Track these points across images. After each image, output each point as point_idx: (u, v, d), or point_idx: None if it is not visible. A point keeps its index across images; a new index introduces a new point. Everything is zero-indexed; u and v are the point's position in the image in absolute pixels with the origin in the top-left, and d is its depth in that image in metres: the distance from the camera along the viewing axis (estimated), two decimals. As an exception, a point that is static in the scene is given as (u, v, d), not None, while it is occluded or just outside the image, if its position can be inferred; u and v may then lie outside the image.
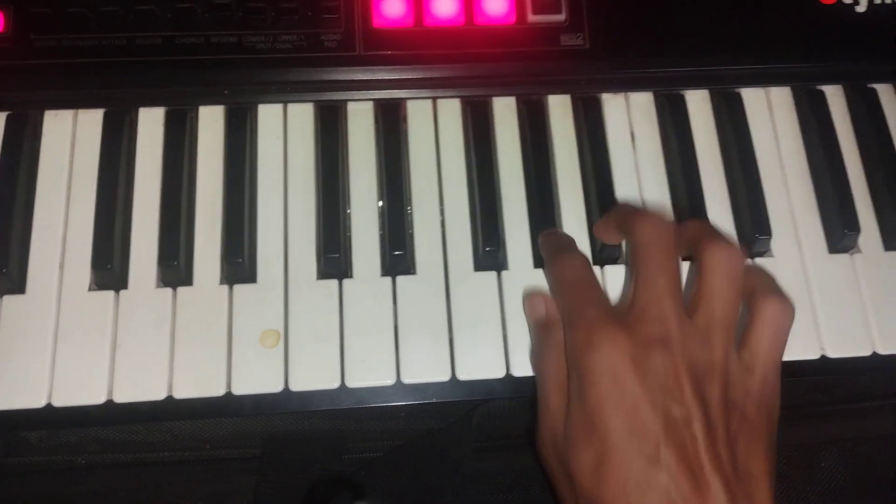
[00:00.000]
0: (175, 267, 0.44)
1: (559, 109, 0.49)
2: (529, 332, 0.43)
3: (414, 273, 0.45)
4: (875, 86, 0.50)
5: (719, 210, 0.47)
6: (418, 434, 0.46)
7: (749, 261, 0.46)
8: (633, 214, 0.39)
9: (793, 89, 0.50)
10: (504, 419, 0.45)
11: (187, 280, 0.44)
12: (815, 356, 0.44)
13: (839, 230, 0.46)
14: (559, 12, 0.48)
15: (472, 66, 0.48)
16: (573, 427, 0.34)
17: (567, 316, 0.37)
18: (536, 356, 0.40)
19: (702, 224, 0.41)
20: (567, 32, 0.48)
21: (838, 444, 0.48)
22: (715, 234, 0.38)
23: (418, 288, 0.44)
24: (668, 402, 0.33)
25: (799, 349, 0.44)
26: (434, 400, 0.43)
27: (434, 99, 0.49)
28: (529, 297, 0.43)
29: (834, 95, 0.50)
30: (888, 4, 0.50)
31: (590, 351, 0.34)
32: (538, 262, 0.45)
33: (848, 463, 0.47)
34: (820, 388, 0.49)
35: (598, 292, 0.38)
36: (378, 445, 0.47)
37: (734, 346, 0.36)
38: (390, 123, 0.47)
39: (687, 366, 0.34)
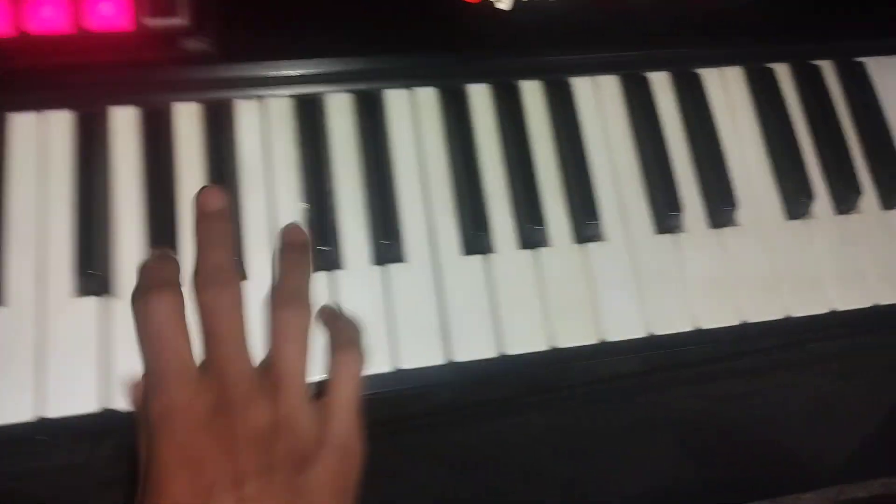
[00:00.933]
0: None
1: (185, 118, 0.47)
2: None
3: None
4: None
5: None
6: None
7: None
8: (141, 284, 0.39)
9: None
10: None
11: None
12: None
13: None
14: (179, 15, 0.45)
15: (85, 75, 0.45)
16: (143, 494, 0.35)
17: (147, 373, 0.38)
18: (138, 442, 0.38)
19: (277, 285, 0.42)
20: (189, 36, 0.45)
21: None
22: (284, 295, 0.40)
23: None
24: (231, 461, 0.34)
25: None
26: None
27: (39, 112, 0.45)
28: (129, 386, 0.40)
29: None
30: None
31: (160, 417, 0.35)
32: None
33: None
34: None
35: (186, 349, 0.37)
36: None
37: (306, 399, 0.38)
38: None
39: (257, 424, 0.35)
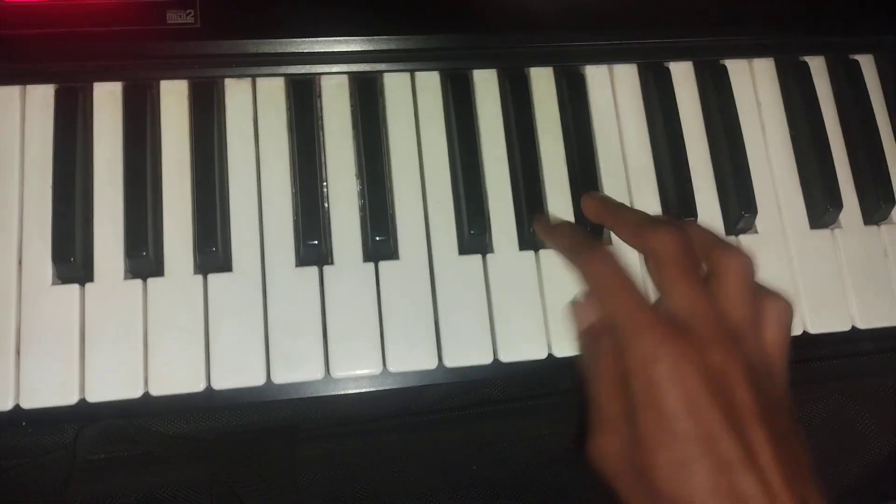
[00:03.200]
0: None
1: (173, 96, 0.44)
2: (576, 341, 0.42)
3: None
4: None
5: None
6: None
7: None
8: (649, 227, 0.39)
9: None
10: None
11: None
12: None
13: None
14: None
15: (68, 47, 0.43)
16: (646, 432, 0.35)
17: (619, 322, 0.37)
18: (586, 365, 0.40)
19: (706, 229, 0.41)
20: (174, 9, 0.43)
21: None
22: (722, 239, 0.39)
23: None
24: (735, 405, 0.34)
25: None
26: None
27: (23, 87, 0.43)
28: (573, 307, 0.42)
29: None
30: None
31: (656, 359, 0.34)
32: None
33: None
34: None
35: (639, 293, 0.37)
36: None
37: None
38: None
39: (742, 365, 0.35)
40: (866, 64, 0.50)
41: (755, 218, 0.46)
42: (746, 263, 0.37)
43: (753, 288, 0.37)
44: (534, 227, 0.44)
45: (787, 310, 0.37)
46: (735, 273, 0.37)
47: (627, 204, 0.45)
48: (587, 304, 0.41)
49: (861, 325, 0.45)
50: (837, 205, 0.46)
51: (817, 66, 0.49)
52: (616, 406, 0.36)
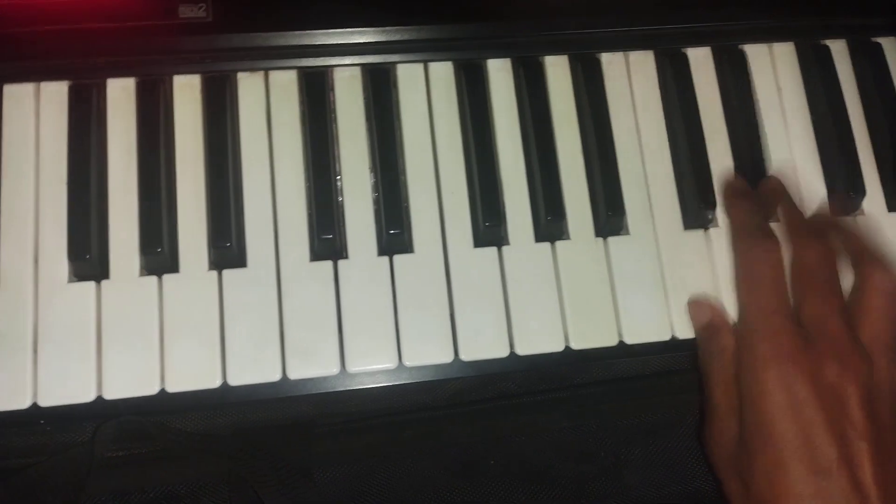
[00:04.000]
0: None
1: (185, 91, 0.44)
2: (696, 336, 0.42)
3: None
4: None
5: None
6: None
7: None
8: (801, 234, 0.40)
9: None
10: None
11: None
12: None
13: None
14: None
15: (77, 43, 0.42)
16: (748, 432, 0.36)
17: (750, 320, 0.38)
18: (703, 359, 0.41)
19: (863, 239, 0.42)
20: (187, 3, 0.43)
21: None
22: (876, 252, 0.39)
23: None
24: (841, 420, 0.34)
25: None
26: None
27: (38, 84, 0.43)
28: (694, 303, 0.42)
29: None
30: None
31: (769, 362, 0.36)
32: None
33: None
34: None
35: (785, 300, 0.38)
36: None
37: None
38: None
39: (859, 385, 0.35)
40: (889, 47, 0.48)
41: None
42: (893, 282, 0.37)
43: None
44: (722, 187, 0.44)
45: None
46: (877, 291, 0.38)
47: (645, 194, 0.45)
48: (709, 304, 0.42)
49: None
50: (861, 191, 0.45)
51: (839, 50, 0.48)
52: (727, 402, 0.38)
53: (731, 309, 0.42)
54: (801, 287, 0.38)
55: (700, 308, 0.42)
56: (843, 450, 0.34)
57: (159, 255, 0.41)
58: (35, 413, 0.40)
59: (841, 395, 0.35)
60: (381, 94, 0.45)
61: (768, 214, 0.43)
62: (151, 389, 0.40)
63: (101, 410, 0.40)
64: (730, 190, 0.44)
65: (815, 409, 0.34)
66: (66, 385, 0.39)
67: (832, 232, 0.41)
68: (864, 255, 0.39)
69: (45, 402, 0.39)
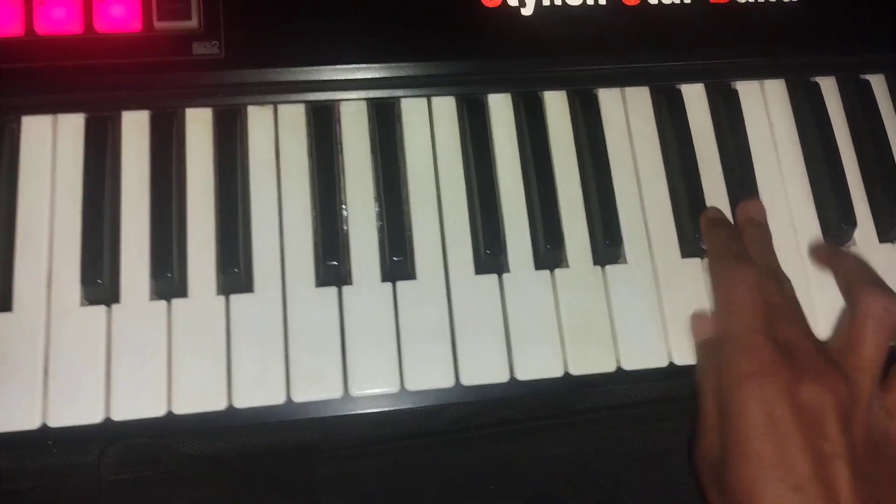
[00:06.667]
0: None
1: (198, 123, 0.45)
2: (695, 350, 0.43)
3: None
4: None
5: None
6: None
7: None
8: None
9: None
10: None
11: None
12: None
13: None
14: (189, 18, 0.44)
15: (94, 78, 0.44)
16: (728, 445, 0.36)
17: (732, 338, 0.38)
18: (697, 374, 0.42)
19: (859, 263, 0.43)
20: (200, 40, 0.45)
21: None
22: (871, 278, 0.40)
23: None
24: (817, 438, 0.35)
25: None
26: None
27: (55, 116, 0.45)
28: (694, 318, 0.43)
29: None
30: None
31: (747, 378, 0.36)
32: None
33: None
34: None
35: (764, 319, 0.39)
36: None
37: (878, 389, 0.38)
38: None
39: (836, 404, 0.35)
40: (877, 83, 0.50)
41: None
42: (888, 309, 0.38)
43: (889, 333, 0.38)
44: (701, 216, 0.45)
45: None
46: (868, 316, 0.38)
47: (642, 223, 0.46)
48: (706, 318, 0.43)
49: (880, 343, 0.45)
50: (852, 223, 0.46)
51: (828, 87, 0.50)
52: (714, 418, 0.38)
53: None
54: (772, 315, 0.39)
55: (701, 323, 0.43)
56: (818, 468, 0.34)
57: (169, 279, 0.42)
58: (44, 434, 0.40)
59: (818, 414, 0.35)
60: (385, 127, 0.46)
61: (745, 241, 0.44)
62: (159, 411, 0.40)
63: (108, 432, 0.41)
64: (707, 219, 0.45)
65: (792, 426, 0.35)
66: (76, 406, 0.40)
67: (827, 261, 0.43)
68: (858, 278, 0.40)
69: (54, 422, 0.40)
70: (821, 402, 0.35)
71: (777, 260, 0.44)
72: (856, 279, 0.41)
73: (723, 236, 0.44)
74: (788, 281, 0.42)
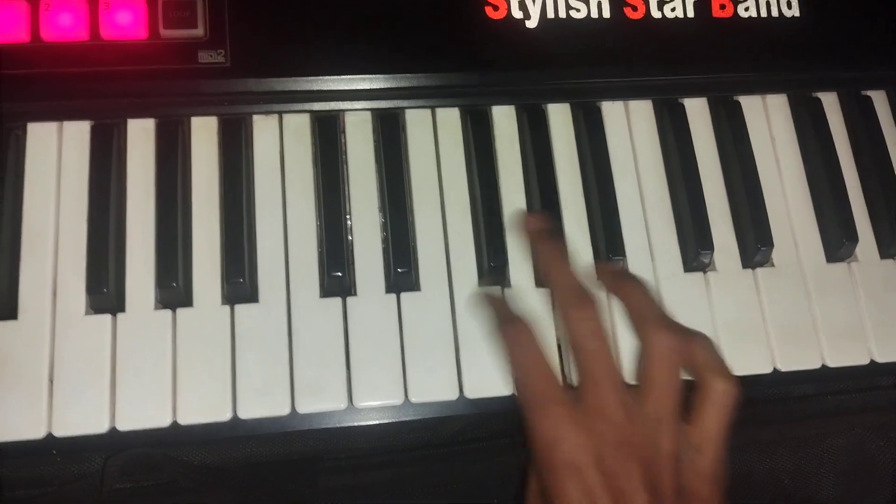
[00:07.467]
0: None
1: (203, 132, 0.46)
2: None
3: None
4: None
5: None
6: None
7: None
8: (570, 304, 0.39)
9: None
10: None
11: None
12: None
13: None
14: (196, 26, 0.45)
15: (100, 85, 0.44)
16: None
17: (530, 402, 0.38)
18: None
19: (645, 295, 0.40)
20: (206, 49, 0.45)
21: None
22: (657, 315, 0.38)
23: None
24: (623, 495, 0.35)
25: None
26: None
27: (61, 123, 0.45)
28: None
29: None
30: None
31: (554, 444, 0.36)
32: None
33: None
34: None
35: (552, 376, 0.38)
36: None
37: (680, 427, 0.37)
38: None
39: (639, 459, 0.35)
40: (879, 99, 0.51)
41: (771, 251, 0.46)
42: (673, 347, 0.37)
43: (678, 371, 0.37)
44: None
45: (728, 392, 0.37)
46: (657, 359, 0.37)
47: (644, 235, 0.46)
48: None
49: (879, 359, 0.45)
50: (853, 238, 0.46)
51: (830, 102, 0.50)
52: (535, 486, 0.38)
53: (725, 350, 0.43)
54: (579, 369, 0.38)
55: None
56: None
57: (174, 289, 0.42)
58: (48, 443, 0.40)
59: (624, 483, 0.35)
60: (390, 137, 0.47)
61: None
62: (164, 421, 0.41)
63: (113, 442, 0.41)
64: (478, 300, 0.44)
65: (598, 485, 0.35)
66: (81, 415, 0.40)
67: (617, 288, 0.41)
68: (643, 318, 0.38)
69: (59, 432, 0.40)
70: (624, 471, 0.35)
71: (579, 295, 0.39)
72: (643, 317, 0.38)
73: (492, 304, 0.43)
74: (594, 320, 0.38)
